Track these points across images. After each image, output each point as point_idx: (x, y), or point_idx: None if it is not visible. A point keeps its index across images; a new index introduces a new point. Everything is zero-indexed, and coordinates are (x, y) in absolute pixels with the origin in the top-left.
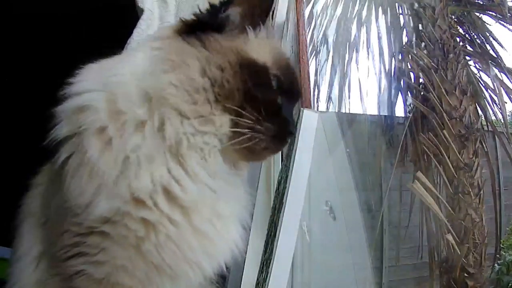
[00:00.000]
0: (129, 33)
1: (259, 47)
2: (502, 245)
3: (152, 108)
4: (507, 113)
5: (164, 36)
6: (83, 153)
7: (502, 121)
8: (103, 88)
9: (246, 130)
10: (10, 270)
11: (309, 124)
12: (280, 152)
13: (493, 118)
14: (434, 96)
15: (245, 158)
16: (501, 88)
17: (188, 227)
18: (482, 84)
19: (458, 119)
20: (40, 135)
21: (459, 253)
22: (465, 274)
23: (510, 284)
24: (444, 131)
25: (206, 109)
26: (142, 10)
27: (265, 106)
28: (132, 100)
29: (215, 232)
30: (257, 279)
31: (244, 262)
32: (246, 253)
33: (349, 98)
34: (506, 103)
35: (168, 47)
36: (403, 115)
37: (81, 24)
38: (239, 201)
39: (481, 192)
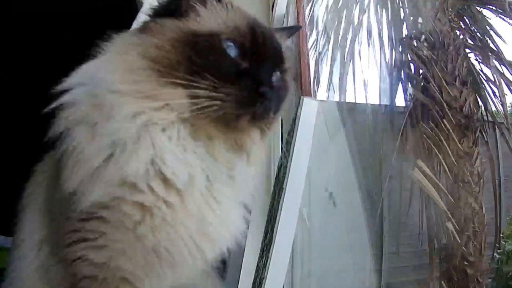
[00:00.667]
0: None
1: (210, 18)
2: (502, 234)
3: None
4: (507, 105)
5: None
6: (72, 144)
7: (502, 113)
8: (88, 82)
9: (204, 99)
10: (11, 256)
11: (309, 111)
12: (280, 139)
13: (494, 109)
14: (434, 87)
15: (223, 131)
16: (501, 80)
17: (184, 210)
18: (482, 76)
19: (458, 109)
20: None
21: (459, 241)
22: (465, 263)
23: (510, 274)
24: (444, 120)
25: (148, 86)
26: (141, 3)
27: (219, 72)
28: (103, 88)
29: (213, 216)
30: (257, 264)
31: (244, 247)
32: (246, 238)
33: (349, 87)
34: (506, 95)
35: (119, 41)
36: (403, 105)
37: (81, 22)
38: (238, 182)
39: (481, 181)
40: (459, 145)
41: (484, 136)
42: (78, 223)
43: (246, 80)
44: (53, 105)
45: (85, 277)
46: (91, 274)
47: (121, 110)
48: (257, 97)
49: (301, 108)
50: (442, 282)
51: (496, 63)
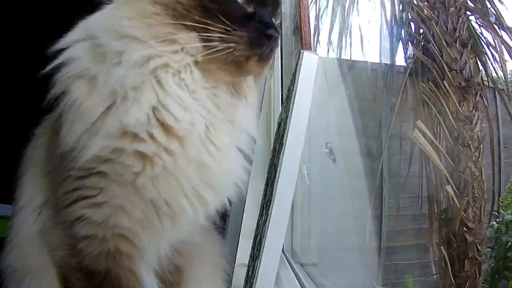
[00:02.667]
0: None
1: None
2: (501, 203)
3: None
4: (508, 73)
5: None
6: (70, 99)
7: (503, 79)
8: (90, 35)
9: (217, 43)
10: (10, 223)
11: (309, 65)
12: (280, 96)
13: (494, 75)
14: (434, 47)
15: (232, 75)
16: (502, 46)
17: (185, 157)
18: (483, 41)
19: (458, 71)
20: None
21: (458, 206)
22: (464, 229)
23: (509, 244)
24: (444, 82)
25: (163, 30)
26: None
27: (230, 16)
28: (109, 36)
29: (214, 163)
30: (257, 222)
31: (244, 205)
32: (246, 195)
33: (349, 45)
34: (507, 61)
35: None
36: (403, 65)
37: None
38: (238, 127)
39: (481, 146)
40: (459, 108)
41: (484, 101)
42: (77, 181)
43: (253, 23)
44: (52, 65)
45: (84, 237)
46: (90, 233)
47: (132, 56)
48: (265, 39)
49: (301, 62)
50: (442, 247)
51: (496, 28)
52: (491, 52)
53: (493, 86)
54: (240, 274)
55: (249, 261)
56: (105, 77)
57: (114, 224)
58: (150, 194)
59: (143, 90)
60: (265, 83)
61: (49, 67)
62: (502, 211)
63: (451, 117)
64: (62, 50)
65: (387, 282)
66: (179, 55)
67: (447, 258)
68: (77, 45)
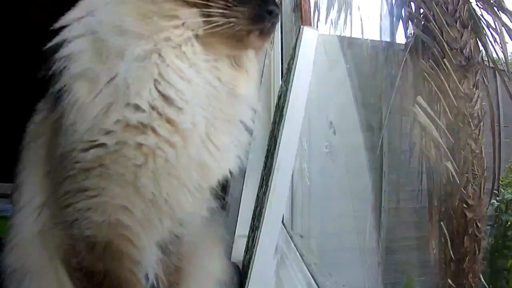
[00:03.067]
0: None
1: None
2: (501, 182)
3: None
4: (509, 54)
5: None
6: (73, 98)
7: (503, 60)
8: (86, 31)
9: (218, 18)
10: (11, 221)
11: (309, 40)
12: (280, 70)
13: (495, 56)
14: (435, 26)
15: (233, 47)
16: (502, 28)
17: (187, 147)
18: (483, 22)
19: (458, 50)
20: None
21: (458, 182)
22: (464, 205)
23: (508, 223)
24: (445, 60)
25: (165, 6)
26: None
27: None
28: (111, 31)
29: (216, 135)
30: (257, 193)
31: (244, 177)
32: (246, 170)
33: (349, 22)
34: (507, 43)
35: None
36: (403, 43)
37: None
38: (240, 99)
39: (481, 124)
40: (459, 86)
41: (485, 80)
42: (77, 182)
43: (254, 0)
44: (52, 43)
45: (84, 237)
46: (90, 234)
47: (134, 50)
48: (266, 15)
49: (301, 37)
50: (442, 223)
51: (496, 10)
52: (492, 34)
53: (493, 66)
54: (240, 246)
55: (249, 232)
56: (107, 74)
57: (114, 224)
58: (151, 192)
59: (144, 81)
60: (265, 57)
61: (50, 45)
62: (502, 189)
63: (451, 94)
64: (62, 43)
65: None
66: (180, 30)
67: (446, 234)
68: (77, 40)
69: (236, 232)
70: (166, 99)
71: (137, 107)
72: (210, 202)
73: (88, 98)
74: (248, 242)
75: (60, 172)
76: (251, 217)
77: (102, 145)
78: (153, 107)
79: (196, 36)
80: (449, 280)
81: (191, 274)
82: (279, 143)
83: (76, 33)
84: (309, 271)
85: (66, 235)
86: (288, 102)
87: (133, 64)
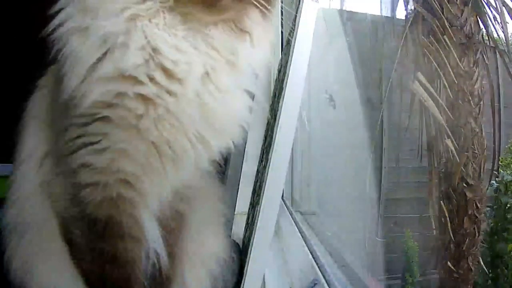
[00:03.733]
0: None
1: None
2: (501, 162)
3: None
4: (509, 34)
5: None
6: (69, 50)
7: (504, 40)
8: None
9: None
10: (12, 176)
11: (309, 13)
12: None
13: (495, 35)
14: (435, 2)
15: (211, 14)
16: (503, 7)
17: (187, 98)
18: (484, 1)
19: (459, 27)
20: None
21: (458, 160)
22: (464, 184)
23: (508, 205)
24: (445, 37)
25: None
26: None
27: None
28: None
29: (217, 105)
30: (257, 168)
31: (244, 151)
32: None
33: None
34: (507, 23)
35: None
36: (403, 18)
37: None
38: (241, 68)
39: (481, 102)
40: (459, 63)
41: (485, 58)
42: (80, 129)
43: None
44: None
45: (87, 185)
46: (93, 180)
47: (107, 8)
48: None
49: (301, 10)
50: (442, 202)
51: None
52: (492, 13)
53: (494, 46)
54: (240, 223)
55: (249, 208)
56: (94, 28)
57: (117, 169)
58: (153, 136)
59: (131, 35)
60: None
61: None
62: (501, 170)
63: (451, 71)
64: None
65: (386, 235)
66: (147, 4)
67: (446, 214)
68: (67, 8)
69: (236, 209)
70: (163, 69)
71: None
72: (211, 163)
73: (83, 47)
74: (248, 218)
75: (63, 121)
76: (251, 194)
77: (102, 95)
78: (150, 78)
79: (170, 8)
80: (448, 263)
81: (191, 251)
82: (279, 116)
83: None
84: (309, 249)
85: (69, 183)
86: (288, 75)
87: (111, 20)
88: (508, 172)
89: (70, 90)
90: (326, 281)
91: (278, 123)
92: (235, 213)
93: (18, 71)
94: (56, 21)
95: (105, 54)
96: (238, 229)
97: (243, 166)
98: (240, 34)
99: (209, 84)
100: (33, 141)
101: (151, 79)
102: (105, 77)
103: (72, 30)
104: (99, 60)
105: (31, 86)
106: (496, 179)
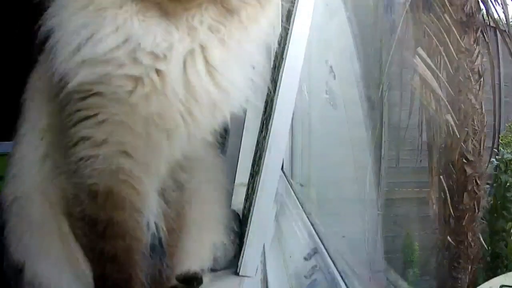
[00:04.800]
0: None
1: None
2: (501, 140)
3: None
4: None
5: None
6: (55, 39)
7: (505, 21)
8: None
9: None
10: (13, 149)
11: None
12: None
13: (496, 16)
14: None
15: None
16: None
17: (172, 76)
18: None
19: (459, 6)
20: None
21: (458, 136)
22: (464, 160)
23: (508, 184)
24: (446, 15)
25: None
26: None
27: None
28: None
29: (206, 82)
30: (257, 139)
31: (244, 123)
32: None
33: None
34: (508, 4)
35: None
36: None
37: None
38: (232, 46)
39: (481, 79)
40: (460, 41)
41: (485, 37)
42: (78, 103)
43: None
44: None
45: (87, 157)
46: (93, 153)
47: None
48: None
49: None
50: (441, 177)
51: None
52: None
53: (494, 26)
54: (240, 194)
55: (248, 179)
56: (68, 21)
57: (116, 141)
58: (145, 110)
59: (105, 25)
60: None
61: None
62: (501, 149)
63: (451, 48)
64: None
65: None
66: None
67: (446, 189)
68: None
69: (235, 180)
70: (145, 51)
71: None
72: (209, 134)
73: (65, 35)
74: (248, 189)
75: (60, 98)
76: (250, 165)
77: (87, 76)
78: (134, 59)
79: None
80: (448, 237)
81: (192, 221)
82: (279, 86)
83: None
84: (309, 220)
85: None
86: (288, 46)
87: (81, 13)
88: (508, 150)
89: (58, 73)
90: (326, 251)
91: (278, 94)
92: (235, 184)
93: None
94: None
95: (85, 39)
96: (238, 200)
97: (243, 138)
98: (227, 13)
99: (198, 62)
100: (35, 114)
101: (134, 60)
102: (87, 61)
103: (57, 22)
104: (81, 44)
105: (33, 62)
106: (496, 157)
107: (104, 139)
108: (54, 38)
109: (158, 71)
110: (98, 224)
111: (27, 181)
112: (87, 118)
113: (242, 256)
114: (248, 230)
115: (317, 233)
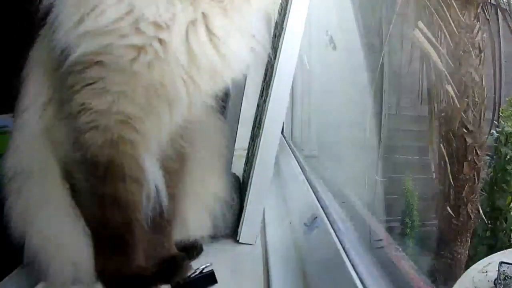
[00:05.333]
0: None
1: None
2: (501, 113)
3: None
4: None
5: None
6: (55, 13)
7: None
8: None
9: None
10: (14, 124)
11: None
12: None
13: None
14: None
15: None
16: None
17: (174, 45)
18: None
19: None
20: None
21: (458, 106)
22: (464, 130)
23: (508, 157)
24: None
25: None
26: None
27: None
28: None
29: (208, 50)
30: (258, 103)
31: (244, 87)
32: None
33: None
34: None
35: None
36: None
37: None
38: (234, 14)
39: (482, 54)
40: (460, 16)
41: (486, 14)
42: (80, 74)
43: None
44: None
45: (88, 128)
46: (94, 123)
47: None
48: None
49: None
50: (441, 145)
51: None
52: None
53: (495, 3)
54: (240, 159)
55: (249, 143)
56: None
57: (117, 111)
58: (147, 79)
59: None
60: None
61: None
62: (502, 121)
63: (452, 23)
64: None
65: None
66: None
67: (446, 157)
68: None
69: (235, 145)
70: (148, 21)
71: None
72: (210, 99)
73: (66, 7)
74: (248, 153)
75: (63, 67)
76: (250, 130)
77: (89, 47)
78: (136, 29)
79: None
80: (448, 208)
81: (192, 190)
82: (279, 52)
83: None
84: (309, 184)
85: (71, 128)
86: (288, 14)
87: None
88: (509, 124)
89: (60, 45)
90: (327, 217)
91: (278, 59)
92: (235, 148)
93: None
94: None
95: (86, 12)
96: (238, 166)
97: (243, 104)
98: None
99: (200, 30)
100: (37, 87)
101: (136, 30)
102: (90, 33)
103: None
104: (82, 18)
105: (35, 36)
106: (497, 129)
107: (105, 109)
108: (56, 11)
109: (160, 40)
110: (99, 167)
111: (28, 156)
112: (88, 88)
113: (242, 222)
114: (248, 193)
115: (317, 199)
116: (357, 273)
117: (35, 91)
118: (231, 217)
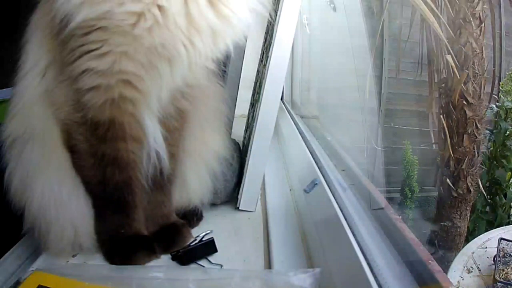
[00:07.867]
0: None
1: None
2: (501, 88)
3: None
4: None
5: None
6: None
7: None
8: None
9: None
10: (14, 89)
11: None
12: None
13: None
14: None
15: None
16: None
17: (173, 10)
18: None
19: None
20: None
21: (458, 77)
22: (464, 102)
23: (507, 133)
24: None
25: None
26: None
27: None
28: None
29: (206, 11)
30: (257, 69)
31: (244, 52)
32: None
33: None
34: None
35: None
36: None
37: None
38: None
39: (482, 25)
40: None
41: None
42: (81, 38)
43: None
44: None
45: (89, 89)
46: (96, 84)
47: None
48: None
49: None
50: (441, 116)
51: None
52: None
53: None
54: (240, 125)
55: (248, 109)
56: None
57: (118, 70)
58: (148, 41)
59: None
60: None
61: None
62: (502, 96)
63: None
64: None
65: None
66: None
67: (446, 129)
68: None
69: (235, 112)
70: None
71: None
72: (208, 61)
73: None
74: (248, 119)
75: (64, 32)
76: (250, 96)
77: (89, 14)
78: None
79: None
80: (447, 180)
81: (193, 149)
82: (279, 15)
83: None
84: (308, 149)
85: (72, 90)
86: None
87: None
88: (509, 99)
89: (60, 14)
90: (326, 182)
91: (278, 22)
92: (235, 115)
93: None
94: None
95: None
96: (238, 131)
97: (242, 69)
98: None
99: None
100: (38, 51)
101: None
102: (88, 1)
103: None
104: None
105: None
106: (497, 103)
107: (107, 69)
108: None
109: (159, 7)
110: (99, 127)
111: (27, 120)
112: (90, 51)
113: (242, 188)
114: (248, 158)
115: (317, 164)
116: (354, 235)
117: (35, 57)
118: (232, 181)
